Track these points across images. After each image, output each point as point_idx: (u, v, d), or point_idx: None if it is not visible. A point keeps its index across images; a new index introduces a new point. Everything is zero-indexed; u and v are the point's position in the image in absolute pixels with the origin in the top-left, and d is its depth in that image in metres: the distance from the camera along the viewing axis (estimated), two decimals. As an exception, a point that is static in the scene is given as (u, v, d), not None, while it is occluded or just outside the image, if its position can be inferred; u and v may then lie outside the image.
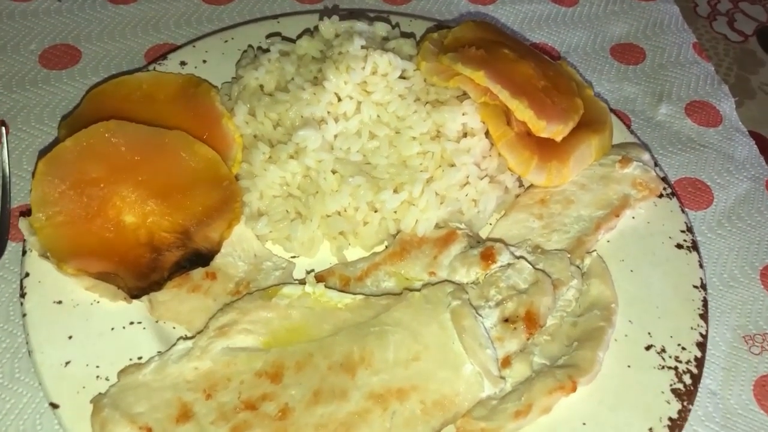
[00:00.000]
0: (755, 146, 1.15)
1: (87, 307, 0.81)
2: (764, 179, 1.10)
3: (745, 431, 0.84)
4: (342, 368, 0.76)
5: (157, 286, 0.81)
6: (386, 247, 0.91)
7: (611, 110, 1.05)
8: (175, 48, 1.11)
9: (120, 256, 0.82)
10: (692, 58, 1.28)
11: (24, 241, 0.84)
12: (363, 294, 0.84)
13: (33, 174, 0.84)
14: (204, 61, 1.07)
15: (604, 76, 1.23)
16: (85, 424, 0.71)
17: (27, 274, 0.82)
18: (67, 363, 0.76)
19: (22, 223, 0.82)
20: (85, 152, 0.86)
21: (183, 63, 1.05)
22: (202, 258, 0.84)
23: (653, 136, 1.14)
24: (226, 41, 1.10)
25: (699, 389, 0.82)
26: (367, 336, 0.79)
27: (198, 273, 0.85)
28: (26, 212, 0.84)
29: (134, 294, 0.80)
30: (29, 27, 1.16)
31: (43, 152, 0.89)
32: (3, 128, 0.98)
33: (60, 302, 0.81)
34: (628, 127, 1.09)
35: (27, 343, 0.78)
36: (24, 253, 0.84)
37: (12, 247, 0.91)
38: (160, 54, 1.10)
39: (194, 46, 1.08)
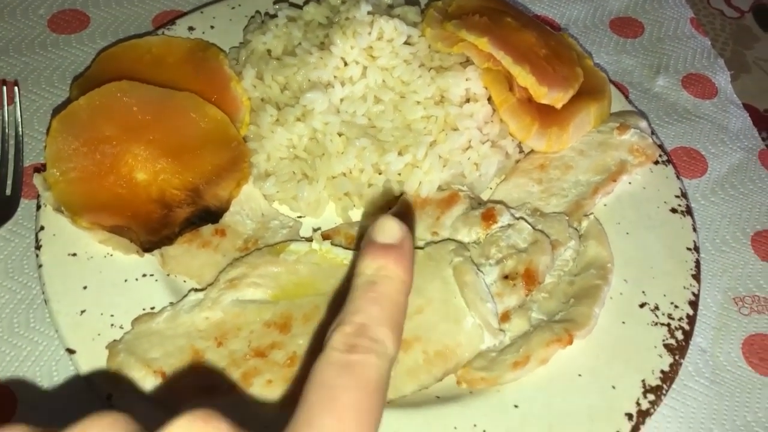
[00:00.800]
0: (749, 118, 1.18)
1: (101, 260, 0.83)
2: (757, 150, 1.13)
3: (733, 385, 0.87)
4: (347, 320, 0.79)
5: (168, 240, 0.84)
6: (390, 208, 0.93)
7: (610, 81, 1.07)
8: (183, 14, 1.12)
9: (132, 212, 0.84)
10: (689, 33, 1.30)
11: (38, 197, 0.86)
12: (368, 252, 0.87)
13: (47, 132, 0.86)
14: (212, 27, 1.08)
15: (603, 49, 1.25)
16: (101, 368, 0.74)
17: (42, 228, 0.84)
18: (83, 312, 0.79)
19: (37, 179, 0.85)
20: (98, 111, 0.88)
21: (191, 28, 1.07)
22: (211, 215, 0.86)
23: (650, 107, 1.17)
24: (233, 8, 1.11)
25: (690, 346, 0.85)
26: (372, 290, 0.81)
27: (208, 229, 0.87)
28: (40, 169, 0.86)
29: (146, 248, 0.83)
30: (38, -9, 1.17)
31: (56, 111, 0.91)
32: (16, 88, 1.00)
33: (74, 254, 0.83)
34: (627, 97, 1.11)
35: (43, 293, 0.80)
36: (38, 207, 0.86)
37: (24, 204, 0.93)
38: (168, 20, 1.11)
39: (202, 12, 1.10)
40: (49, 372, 0.80)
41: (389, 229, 0.52)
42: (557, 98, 0.95)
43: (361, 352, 0.45)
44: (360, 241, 0.67)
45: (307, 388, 0.43)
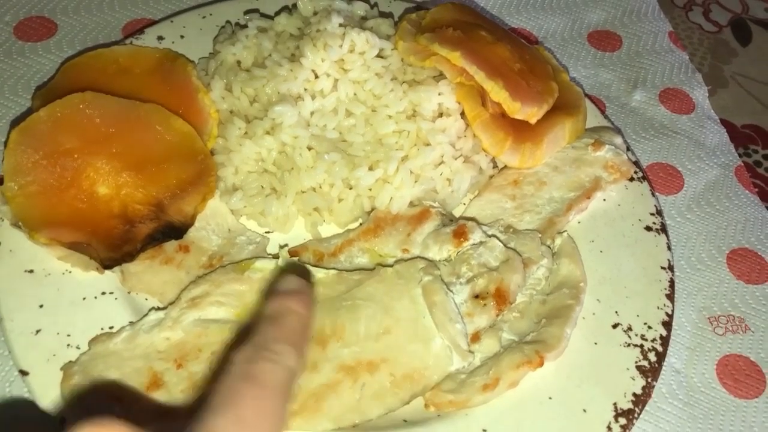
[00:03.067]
0: (726, 134, 1.17)
1: (59, 277, 0.81)
2: (733, 166, 1.12)
3: (707, 408, 0.86)
4: (313, 340, 0.77)
5: (130, 257, 0.81)
6: (360, 224, 0.91)
7: (586, 95, 1.06)
8: (153, 22, 1.10)
9: (93, 227, 0.82)
10: (667, 47, 1.30)
11: (-4, 210, 0.84)
12: (336, 269, 0.85)
13: (5, 143, 0.83)
14: (182, 37, 1.06)
15: (580, 62, 1.24)
16: (54, 391, 0.71)
17: (-1, 243, 0.82)
18: (38, 331, 0.76)
19: (-6, 193, 0.82)
20: (60, 123, 0.85)
21: (160, 38, 1.05)
22: (175, 231, 0.84)
23: (627, 121, 1.16)
24: (204, 17, 1.09)
25: (664, 367, 0.84)
26: (339, 310, 0.79)
27: (171, 245, 0.85)
28: (-2, 182, 0.83)
29: (106, 264, 0.80)
30: (4, -2, 1.14)
31: (15, 122, 0.88)
32: (-24, 98, 0.97)
33: (31, 271, 0.80)
34: (603, 112, 1.10)
35: (-3, 311, 0.78)
36: (-5, 222, 0.83)
37: (-17, 217, 0.90)
38: (138, 28, 1.09)
39: (172, 21, 1.08)
40: (2, 394, 0.77)
41: (291, 280, 0.60)
42: (531, 113, 0.93)
43: (260, 362, 0.49)
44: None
45: (210, 397, 0.47)
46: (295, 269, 0.83)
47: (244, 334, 0.73)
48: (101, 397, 0.71)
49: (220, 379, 0.48)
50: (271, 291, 0.59)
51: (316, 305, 0.61)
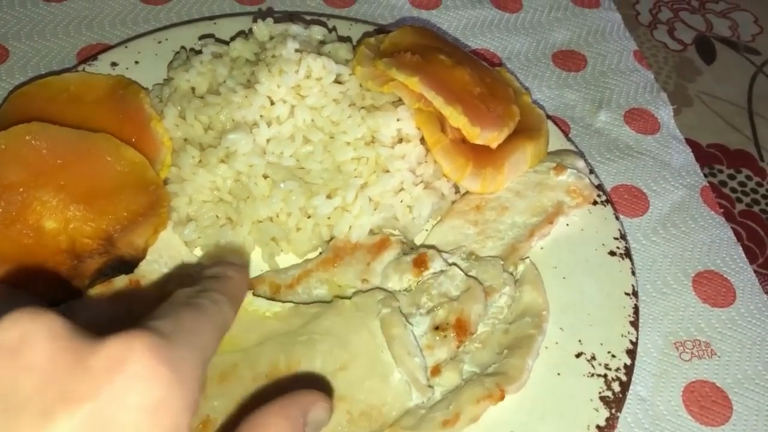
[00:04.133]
0: (691, 154, 1.16)
1: (1, 316, 0.78)
2: (699, 187, 1.11)
3: (672, 437, 0.85)
4: (267, 379, 0.75)
5: (78, 293, 0.79)
6: (320, 253, 0.89)
7: (549, 117, 1.05)
8: (108, 48, 1.08)
9: (39, 263, 0.79)
10: (633, 66, 1.29)
11: (-63, 247, 0.80)
12: (293, 302, 0.83)
13: (-53, 177, 0.80)
14: (136, 62, 1.04)
15: (545, 83, 1.23)
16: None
17: (-62, 282, 0.78)
18: (-22, 375, 0.73)
19: (-65, 229, 0.79)
20: (4, 155, 0.82)
21: (114, 64, 1.03)
22: (125, 265, 0.82)
23: (591, 143, 1.15)
24: (159, 42, 1.07)
25: (629, 395, 0.82)
26: (295, 345, 0.77)
27: (121, 280, 0.82)
28: (-60, 217, 0.80)
29: (53, 302, 0.77)
30: (-46, 24, 1.11)
31: (-41, 155, 0.85)
32: None
33: (-26, 311, 0.77)
34: (566, 134, 1.09)
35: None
36: (-64, 259, 0.80)
37: (-73, 253, 0.87)
38: (92, 54, 1.06)
39: (126, 47, 1.05)
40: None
41: (232, 258, 0.72)
42: (491, 138, 0.92)
43: (201, 298, 0.54)
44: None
45: (151, 312, 0.51)
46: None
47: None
48: None
49: (162, 305, 0.52)
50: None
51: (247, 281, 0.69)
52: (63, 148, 0.84)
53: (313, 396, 0.55)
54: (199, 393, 0.47)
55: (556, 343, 0.84)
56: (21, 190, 0.81)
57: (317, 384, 0.74)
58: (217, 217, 0.89)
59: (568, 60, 1.28)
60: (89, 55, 1.09)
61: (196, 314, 0.51)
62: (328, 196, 0.88)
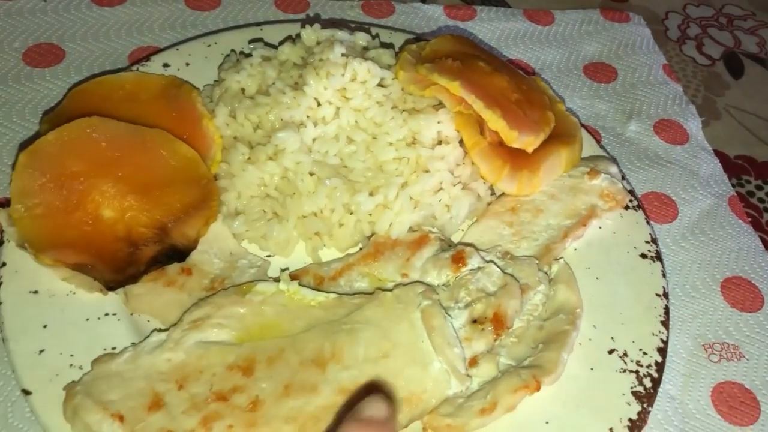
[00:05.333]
0: (719, 164, 1.19)
1: (63, 298, 0.82)
2: (727, 196, 1.14)
3: (701, 434, 0.87)
4: (313, 363, 0.78)
5: (133, 279, 0.82)
6: (360, 248, 0.93)
7: (582, 125, 1.08)
8: (159, 50, 1.12)
9: (97, 249, 0.83)
10: (662, 79, 1.33)
11: (2, 231, 0.85)
12: (336, 293, 0.86)
13: (13, 166, 0.85)
14: (187, 64, 1.08)
15: (576, 93, 1.27)
16: (57, 411, 0.72)
17: (4, 264, 0.83)
18: (41, 351, 0.77)
19: (1, 214, 0.83)
20: (67, 146, 0.87)
21: (166, 65, 1.07)
22: (178, 253, 0.85)
23: (622, 151, 1.18)
24: (209, 45, 1.12)
25: (659, 394, 0.85)
26: (339, 333, 0.80)
27: (174, 268, 0.86)
28: (4, 204, 0.85)
29: (110, 286, 0.81)
30: (14, 25, 1.17)
31: (24, 145, 0.90)
32: (-16, 122, 0.99)
33: (36, 292, 0.81)
34: (598, 142, 1.12)
35: (1, 331, 0.78)
36: (1, 243, 0.85)
37: (-12, 239, 0.91)
38: (144, 56, 1.11)
39: (177, 49, 1.10)
40: (4, 414, 0.78)
41: (377, 407, 0.58)
42: (528, 142, 0.95)
43: None
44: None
45: None
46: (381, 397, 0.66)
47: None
48: (103, 417, 0.71)
49: None
50: (353, 413, 0.58)
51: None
52: (121, 142, 0.89)
53: (376, 402, 0.57)
54: None
55: (590, 339, 0.87)
56: (82, 179, 0.86)
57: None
58: (264, 211, 0.93)
59: (599, 72, 1.32)
60: (140, 56, 1.14)
61: None
62: (371, 194, 0.92)
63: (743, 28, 1.51)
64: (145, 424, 0.72)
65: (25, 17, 1.19)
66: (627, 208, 1.00)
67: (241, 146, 0.94)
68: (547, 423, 0.79)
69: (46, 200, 0.84)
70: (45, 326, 0.79)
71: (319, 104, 0.96)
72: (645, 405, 0.82)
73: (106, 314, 0.82)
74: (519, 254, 0.94)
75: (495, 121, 0.93)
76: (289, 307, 0.83)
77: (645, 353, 0.86)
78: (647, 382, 0.84)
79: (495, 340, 0.83)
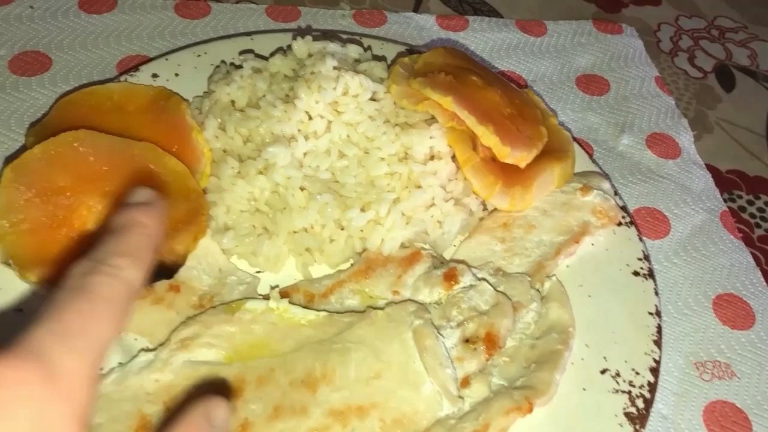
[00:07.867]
0: (711, 179, 1.19)
1: (48, 316, 0.80)
2: (718, 211, 1.14)
3: (693, 455, 0.87)
4: (303, 384, 0.77)
5: (120, 297, 0.81)
6: (351, 264, 0.92)
7: (574, 139, 1.08)
8: (148, 60, 1.11)
9: (84, 266, 0.82)
10: (654, 92, 1.32)
11: (-15, 248, 0.83)
12: (327, 311, 0.85)
13: (-2, 180, 0.83)
14: (176, 75, 1.07)
15: (568, 106, 1.26)
16: (41, 434, 0.71)
17: (-13, 281, 0.81)
18: (26, 372, 0.75)
19: (-15, 230, 0.82)
20: (53, 160, 0.85)
21: (155, 75, 1.06)
22: (166, 270, 0.84)
23: (614, 165, 1.17)
24: (198, 55, 1.10)
25: (651, 413, 0.84)
26: (330, 353, 0.79)
27: (162, 285, 0.85)
28: (-11, 219, 0.83)
29: (96, 304, 0.80)
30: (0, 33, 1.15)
31: (9, 158, 0.88)
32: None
33: (21, 310, 0.80)
34: (591, 156, 1.11)
35: (-16, 350, 0.77)
36: (-15, 260, 0.83)
37: (-28, 253, 0.89)
38: (132, 65, 1.10)
39: (167, 59, 1.09)
40: (-14, 435, 0.76)
41: (142, 192, 0.59)
42: (521, 158, 0.95)
43: (95, 275, 0.47)
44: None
45: (39, 312, 0.44)
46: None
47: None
48: (88, 440, 0.70)
49: (52, 293, 0.46)
50: (119, 204, 0.57)
51: (164, 217, 0.59)
52: (108, 155, 0.87)
53: (212, 401, 0.52)
54: (91, 395, 0.43)
55: (582, 359, 0.86)
56: (68, 194, 0.84)
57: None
58: (254, 226, 0.92)
59: (592, 84, 1.31)
60: (129, 65, 1.13)
61: (85, 306, 0.45)
62: (362, 210, 0.91)
63: (735, 40, 1.51)
64: (132, 447, 0.71)
65: (12, 24, 1.17)
66: (619, 224, 1.00)
67: (231, 160, 0.93)
68: (539, 445, 0.79)
69: (31, 216, 0.82)
70: (29, 345, 0.77)
71: (310, 118, 0.95)
72: (637, 426, 0.81)
73: (93, 333, 0.80)
74: (511, 270, 0.93)
75: (487, 137, 0.92)
76: (279, 325, 0.82)
77: (637, 373, 0.86)
78: (640, 403, 0.83)
79: (487, 359, 0.82)
